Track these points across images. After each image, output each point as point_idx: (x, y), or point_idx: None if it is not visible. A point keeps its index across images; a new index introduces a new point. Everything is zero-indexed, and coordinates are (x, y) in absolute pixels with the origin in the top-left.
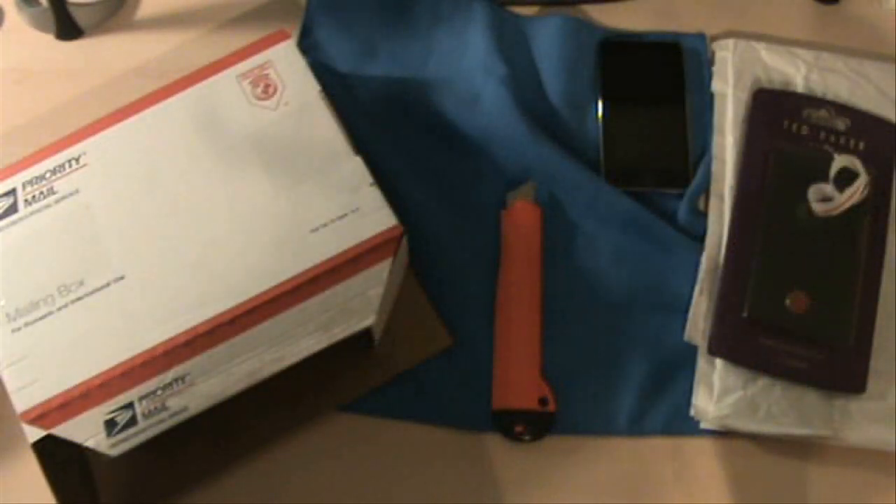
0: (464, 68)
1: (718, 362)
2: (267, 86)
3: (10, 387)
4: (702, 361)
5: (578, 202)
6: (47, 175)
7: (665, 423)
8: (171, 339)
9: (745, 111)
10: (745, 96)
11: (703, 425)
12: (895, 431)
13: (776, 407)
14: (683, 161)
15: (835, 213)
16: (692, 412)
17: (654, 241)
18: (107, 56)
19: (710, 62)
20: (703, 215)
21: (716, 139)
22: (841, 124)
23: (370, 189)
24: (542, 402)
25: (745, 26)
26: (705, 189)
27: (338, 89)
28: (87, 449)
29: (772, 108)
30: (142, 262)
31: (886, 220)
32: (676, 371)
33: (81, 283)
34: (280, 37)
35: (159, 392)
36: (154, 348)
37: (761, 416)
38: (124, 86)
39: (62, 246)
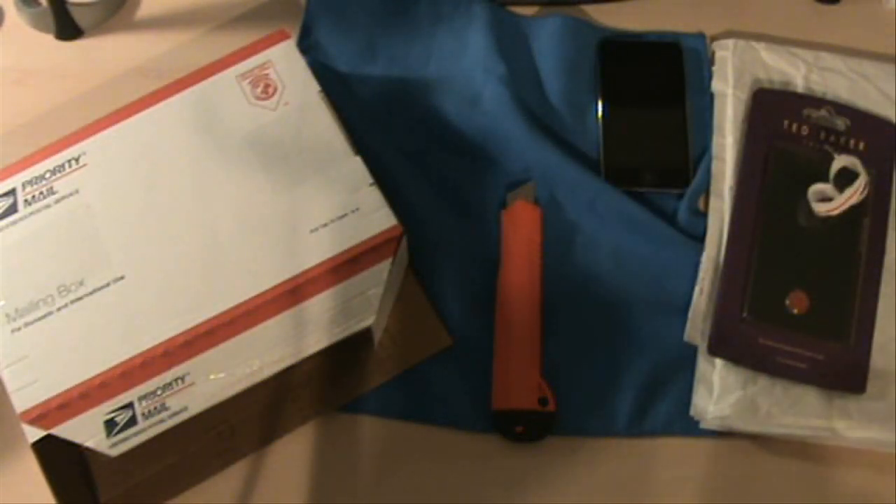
0: (464, 68)
1: (718, 362)
2: (267, 86)
3: (9, 387)
4: (702, 361)
5: (578, 202)
6: (47, 175)
7: (665, 423)
8: (171, 339)
9: (745, 111)
10: (745, 96)
11: (702, 425)
12: (895, 431)
13: (776, 407)
14: (683, 161)
15: (835, 213)
16: (692, 412)
17: (654, 241)
18: (107, 56)
19: (710, 62)
20: (703, 215)
21: (716, 139)
22: (841, 124)
23: (370, 189)
24: (542, 402)
25: (745, 26)
26: (705, 189)
27: (338, 89)
28: (87, 449)
29: (772, 108)
30: (142, 262)
31: (886, 220)
32: (676, 371)
33: (81, 283)
34: (280, 37)
35: (159, 392)
36: (154, 348)
37: (761, 416)
38: (124, 86)
39: (62, 246)
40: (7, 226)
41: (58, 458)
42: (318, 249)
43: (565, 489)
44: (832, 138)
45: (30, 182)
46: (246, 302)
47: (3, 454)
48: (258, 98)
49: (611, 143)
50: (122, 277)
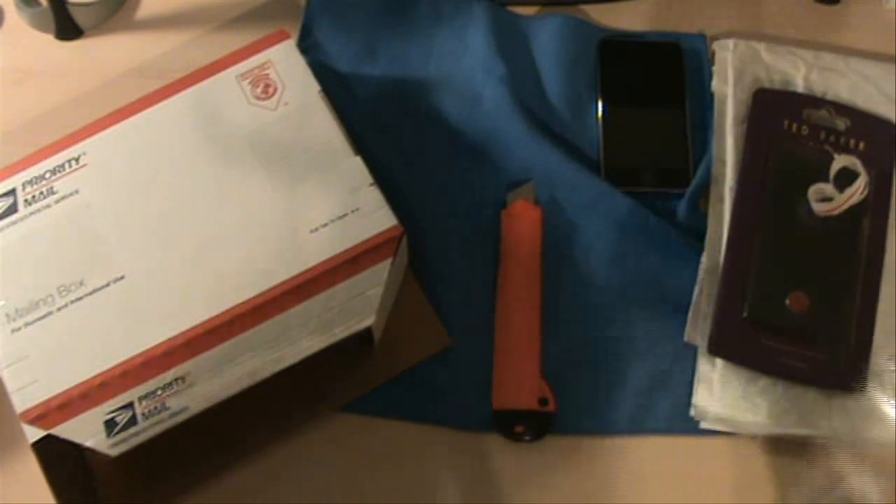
0: (464, 68)
1: (718, 362)
2: (267, 86)
3: (9, 387)
4: (702, 361)
5: (578, 202)
6: (47, 175)
7: (665, 423)
8: (171, 339)
9: (745, 111)
10: (745, 96)
11: (703, 425)
12: (895, 431)
13: (776, 407)
14: (683, 161)
15: (835, 213)
16: (692, 412)
17: (654, 241)
18: (107, 56)
19: (710, 62)
20: (704, 215)
21: (716, 139)
22: (841, 124)
23: (370, 189)
24: (542, 402)
25: (745, 26)
26: (705, 189)
27: (338, 89)
28: (87, 449)
29: (772, 108)
30: (142, 262)
31: (886, 220)
32: (676, 371)
33: (81, 283)
34: (280, 37)
35: (159, 392)
36: (154, 348)
37: (761, 416)
38: (124, 86)
39: (62, 246)
40: (7, 226)
41: (58, 458)
42: (318, 249)
43: (565, 489)
44: (832, 138)
45: (30, 182)
46: (246, 302)
47: (3, 454)
48: (258, 98)
49: (611, 143)
50: (122, 277)
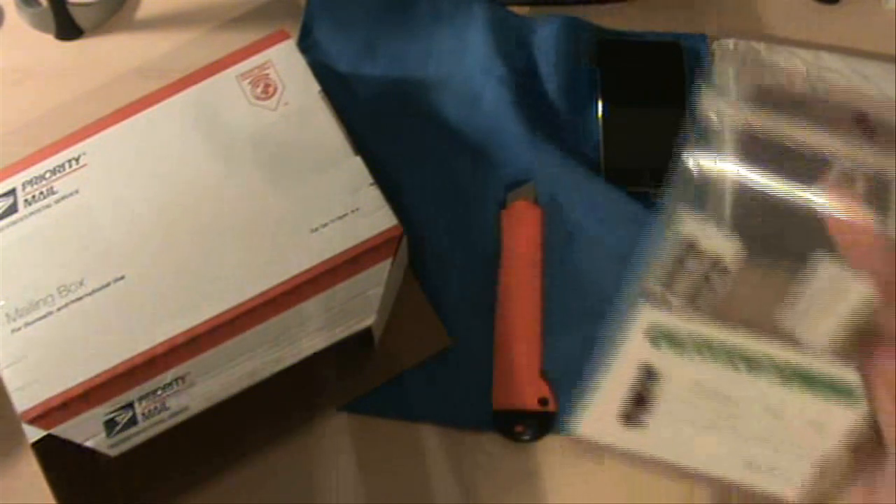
0: (464, 68)
1: None
2: (267, 86)
3: (10, 387)
4: None
5: (578, 202)
6: (47, 175)
7: None
8: (171, 339)
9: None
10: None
11: None
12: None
13: None
14: None
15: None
16: None
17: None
18: (107, 56)
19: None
20: None
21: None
22: None
23: (370, 189)
24: (542, 402)
25: (745, 26)
26: None
27: (338, 89)
28: (87, 449)
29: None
30: (142, 262)
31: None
32: None
33: (81, 283)
34: (280, 37)
35: (159, 392)
36: (154, 348)
37: None
38: (124, 86)
39: (62, 246)
40: (7, 226)
41: (58, 458)
42: (319, 249)
43: (565, 489)
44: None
45: (30, 182)
46: (246, 302)
47: (3, 454)
48: (258, 98)
49: (611, 143)
50: (122, 277)
